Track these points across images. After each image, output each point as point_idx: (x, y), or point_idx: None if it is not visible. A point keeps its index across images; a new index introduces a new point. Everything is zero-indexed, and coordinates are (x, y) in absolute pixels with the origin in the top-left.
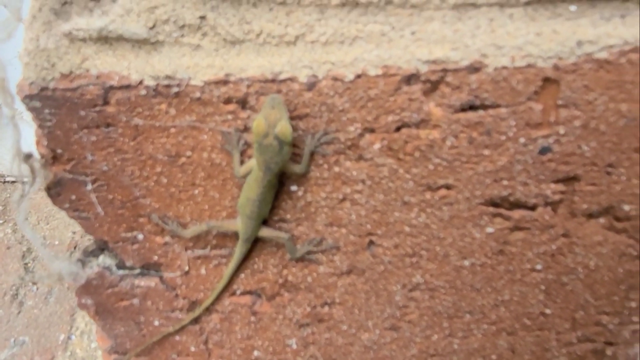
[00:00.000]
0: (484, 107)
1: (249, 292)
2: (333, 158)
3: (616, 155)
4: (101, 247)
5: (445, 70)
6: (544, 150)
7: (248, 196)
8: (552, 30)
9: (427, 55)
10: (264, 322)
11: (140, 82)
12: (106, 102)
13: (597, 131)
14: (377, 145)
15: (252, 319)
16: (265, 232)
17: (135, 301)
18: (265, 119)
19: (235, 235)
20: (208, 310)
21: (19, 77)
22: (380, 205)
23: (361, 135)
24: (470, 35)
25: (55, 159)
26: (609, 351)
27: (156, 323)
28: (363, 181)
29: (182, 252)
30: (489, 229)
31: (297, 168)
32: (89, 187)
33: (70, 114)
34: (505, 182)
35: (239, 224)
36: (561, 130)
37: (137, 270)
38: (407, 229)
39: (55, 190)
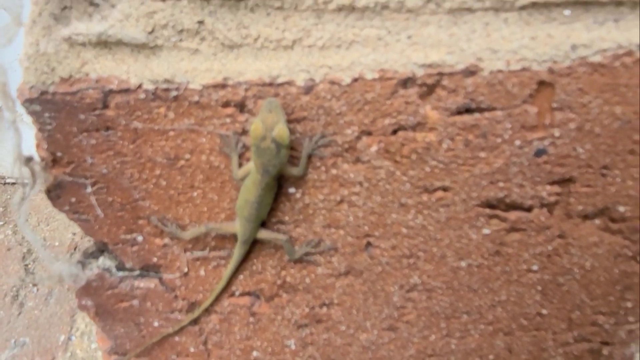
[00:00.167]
0: (480, 110)
1: (248, 293)
2: (330, 160)
3: (611, 157)
4: (101, 249)
5: (441, 74)
6: (540, 153)
7: (246, 198)
8: (546, 34)
9: (423, 59)
10: (263, 322)
11: (139, 86)
12: (105, 106)
13: (592, 133)
14: (374, 148)
15: (251, 319)
16: (263, 233)
17: (135, 302)
18: (263, 123)
19: (233, 237)
20: (207, 311)
21: (20, 81)
22: (378, 207)
23: (358, 138)
24: (465, 39)
25: (55, 161)
26: (605, 351)
27: (156, 324)
28: (360, 183)
29: (181, 254)
30: (486, 230)
31: (295, 170)
32: (89, 189)
33: (70, 118)
34: (501, 184)
35: (237, 226)
36: (556, 132)
37: (137, 272)
38: (404, 230)
39: (55, 193)
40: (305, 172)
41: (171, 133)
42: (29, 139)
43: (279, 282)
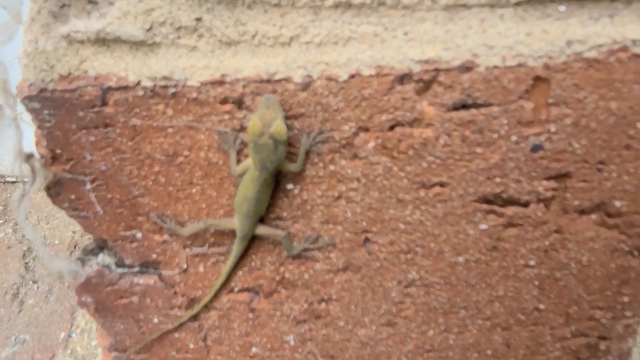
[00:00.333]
0: (476, 105)
1: (247, 290)
2: (328, 157)
3: (607, 152)
4: (100, 246)
5: (437, 70)
6: (536, 148)
7: (245, 195)
8: (542, 30)
9: (419, 55)
10: (262, 318)
11: (138, 83)
12: (104, 103)
13: (588, 129)
14: (371, 144)
15: (250, 315)
16: (262, 229)
17: (135, 299)
18: (260, 119)
19: (232, 233)
20: (206, 307)
21: (19, 79)
22: (375, 203)
23: (356, 134)
24: (461, 36)
25: (54, 159)
26: (602, 345)
27: (155, 320)
28: (358, 179)
29: (181, 250)
30: (483, 226)
31: (293, 167)
32: (88, 186)
33: (69, 115)
34: (498, 180)
35: (236, 222)
36: (552, 128)
37: (136, 269)
38: (402, 226)
39: (54, 190)
40: (303, 168)
41: (170, 130)
42: (29, 136)
43: (277, 278)
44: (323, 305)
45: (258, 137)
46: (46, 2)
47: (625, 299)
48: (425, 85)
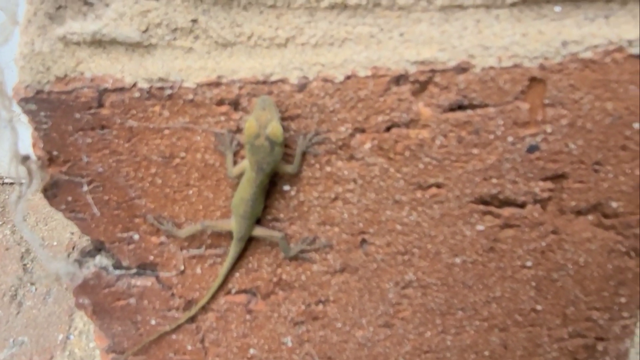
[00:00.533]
0: (472, 106)
1: (244, 291)
2: (324, 158)
3: (603, 153)
4: (98, 248)
5: (433, 71)
6: (532, 149)
7: (241, 196)
8: (537, 30)
9: (415, 56)
10: (259, 320)
11: (134, 85)
12: (101, 105)
13: (584, 129)
14: (367, 145)
15: (248, 317)
16: (259, 231)
17: (132, 301)
18: (257, 120)
19: (229, 235)
20: (204, 309)
21: (15, 81)
22: (372, 204)
23: (352, 135)
24: (457, 36)
25: (51, 160)
26: (600, 346)
27: (153, 322)
28: (354, 180)
29: (178, 252)
30: (480, 227)
31: (289, 168)
32: (85, 188)
33: (65, 117)
34: (494, 181)
35: (233, 224)
36: (548, 128)
37: (134, 270)
38: (398, 227)
39: (51, 192)
40: (300, 169)
41: (166, 131)
42: (26, 138)
43: (274, 279)
44: (320, 306)
45: (254, 138)
46: (42, 4)
47: (623, 299)
48: (421, 86)
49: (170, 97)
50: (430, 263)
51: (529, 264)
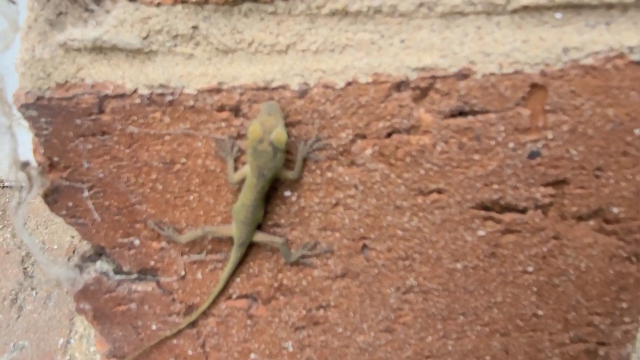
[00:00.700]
0: (473, 112)
1: (245, 296)
2: (325, 164)
3: (604, 158)
4: (98, 253)
5: (434, 77)
6: (533, 155)
7: (242, 202)
8: (538, 37)
9: (416, 62)
10: (260, 325)
11: (135, 91)
12: (101, 111)
13: (585, 135)
14: (368, 151)
15: (249, 322)
16: (259, 236)
17: (133, 306)
18: (261, 125)
19: (230, 240)
20: (205, 314)
21: (16, 87)
22: (373, 210)
23: (353, 141)
24: (458, 43)
25: (52, 166)
26: (601, 351)
27: (153, 327)
28: (355, 186)
29: (178, 257)
30: (481, 232)
31: (291, 174)
32: (86, 194)
33: (66, 123)
34: (495, 186)
35: (233, 229)
36: (549, 134)
37: (134, 275)
38: (399, 232)
39: (52, 197)
40: (301, 175)
41: (167, 137)
42: (27, 143)
43: (275, 284)
44: (321, 311)
45: (258, 143)
46: (43, 10)
47: (624, 305)
48: (422, 93)
49: (171, 103)
50: (431, 268)
51: (530, 269)
